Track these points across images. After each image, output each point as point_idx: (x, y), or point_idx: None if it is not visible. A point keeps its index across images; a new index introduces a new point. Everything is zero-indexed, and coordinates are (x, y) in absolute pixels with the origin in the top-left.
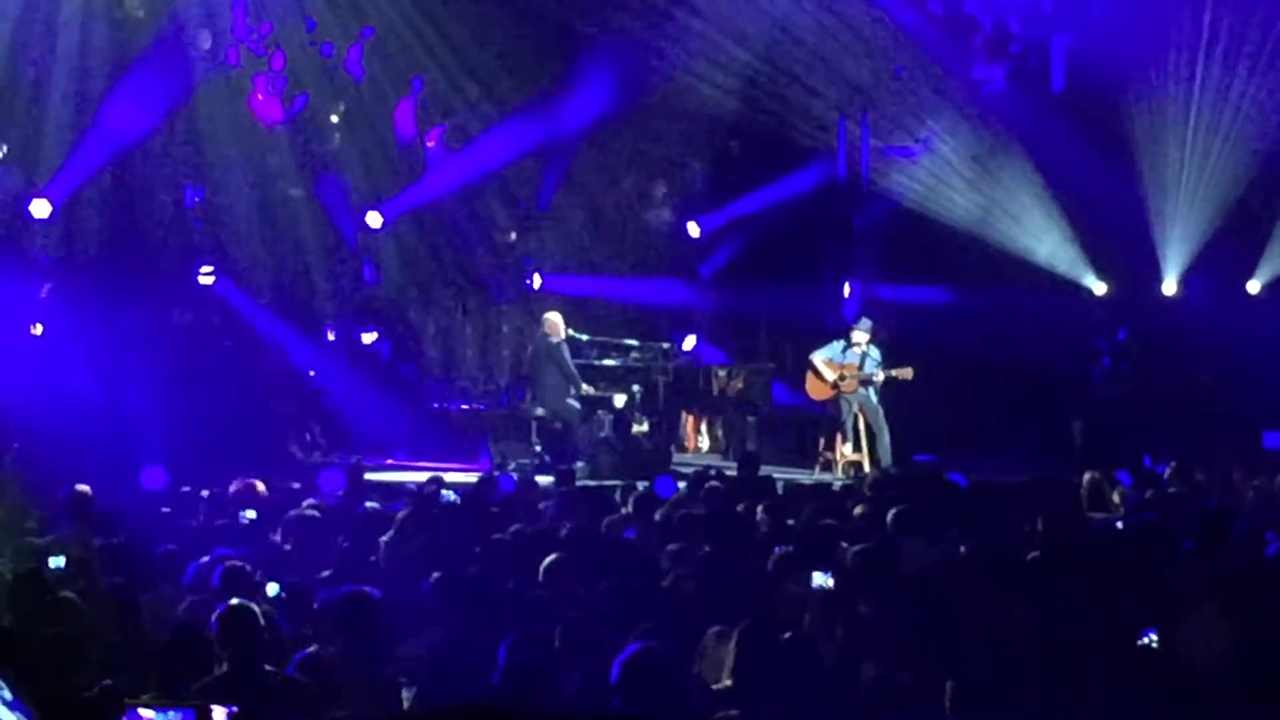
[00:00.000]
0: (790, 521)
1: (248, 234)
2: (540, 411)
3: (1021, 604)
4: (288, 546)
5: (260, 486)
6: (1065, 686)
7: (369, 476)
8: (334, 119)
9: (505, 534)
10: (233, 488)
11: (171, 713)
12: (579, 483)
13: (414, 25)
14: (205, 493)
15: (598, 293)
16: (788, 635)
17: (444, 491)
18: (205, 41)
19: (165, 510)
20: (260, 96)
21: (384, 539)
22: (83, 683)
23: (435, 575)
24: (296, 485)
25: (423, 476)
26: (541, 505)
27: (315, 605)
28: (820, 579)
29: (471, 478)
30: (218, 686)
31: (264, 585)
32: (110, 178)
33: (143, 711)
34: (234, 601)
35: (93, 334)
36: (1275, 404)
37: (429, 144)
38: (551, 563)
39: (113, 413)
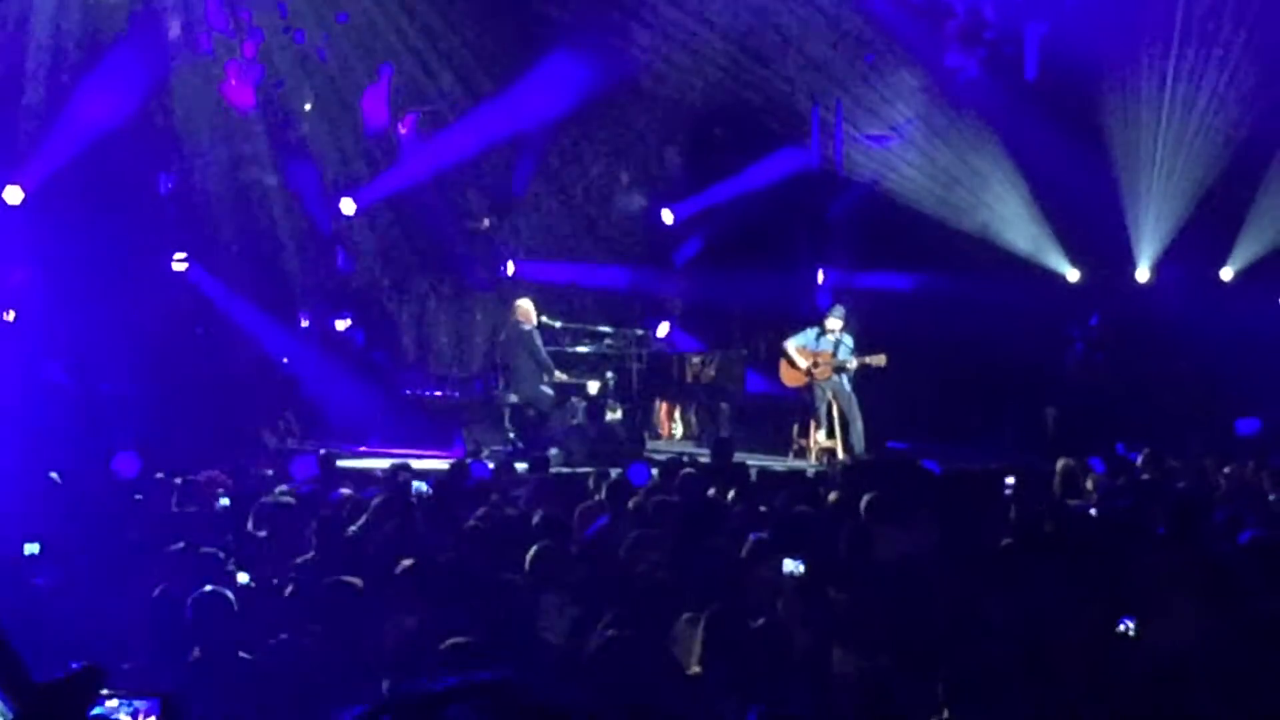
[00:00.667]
0: (763, 508)
1: (221, 221)
2: (514, 398)
3: (996, 591)
4: (260, 534)
5: (224, 479)
6: (1041, 673)
7: (341, 464)
8: (307, 106)
9: (477, 520)
10: (202, 478)
11: (137, 701)
12: (552, 470)
13: (387, 11)
14: (178, 480)
15: (571, 279)
16: (759, 622)
17: (415, 483)
18: (178, 28)
19: (137, 497)
20: (233, 83)
21: (355, 526)
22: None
23: (408, 562)
24: (269, 472)
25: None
26: (516, 492)
27: (288, 593)
28: (791, 565)
29: (444, 464)
30: (191, 673)
31: (235, 573)
32: (83, 164)
33: (108, 702)
34: (207, 588)
35: (65, 321)
36: (1247, 391)
37: (402, 131)
38: (529, 549)
39: (85, 399)
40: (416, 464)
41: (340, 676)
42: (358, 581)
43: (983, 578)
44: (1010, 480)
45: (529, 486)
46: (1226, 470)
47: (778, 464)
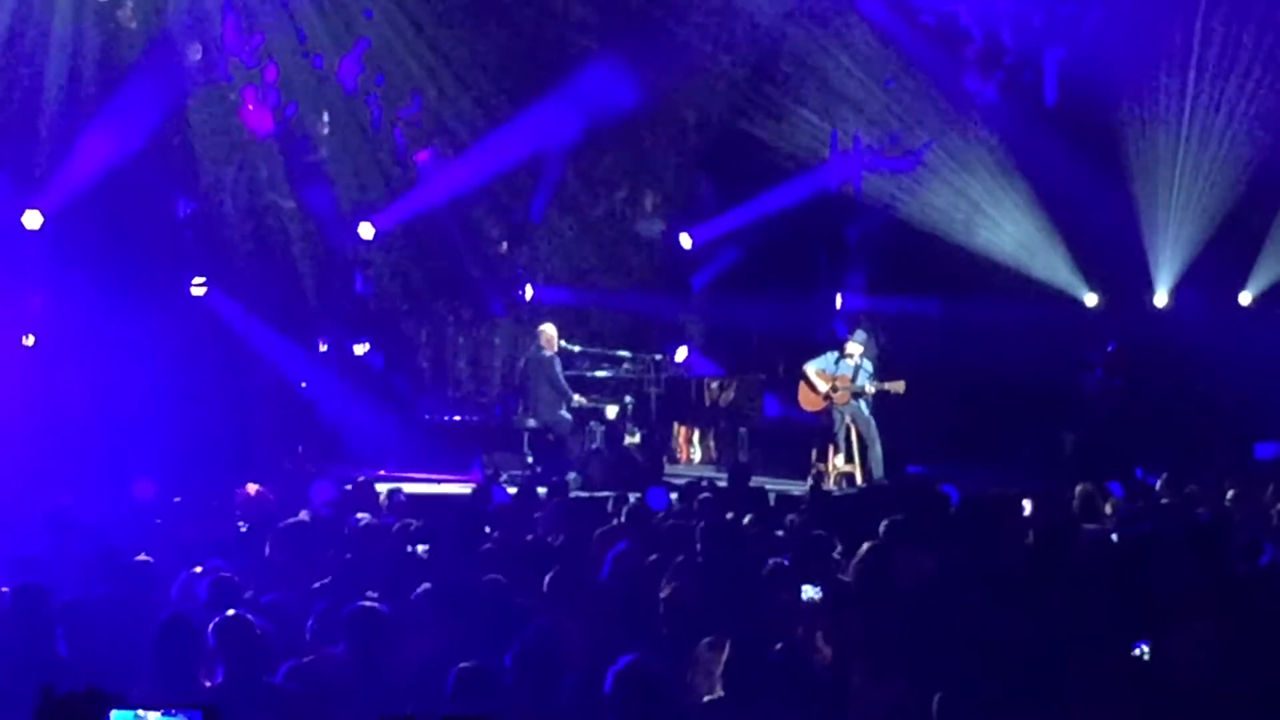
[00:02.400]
0: (780, 533)
1: (239, 245)
2: (532, 423)
3: (1014, 615)
4: (278, 558)
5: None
6: (1057, 698)
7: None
8: (324, 130)
9: (498, 544)
10: (244, 490)
11: (179, 715)
12: (571, 494)
13: (405, 36)
14: (196, 504)
15: (590, 304)
16: (779, 647)
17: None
18: (196, 53)
19: (157, 521)
20: (251, 107)
21: (377, 550)
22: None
23: (425, 586)
24: (288, 497)
25: (421, 488)
26: (535, 516)
27: (313, 618)
28: (809, 591)
29: (464, 489)
30: (214, 697)
31: (251, 597)
32: (101, 189)
33: (148, 714)
34: (230, 612)
35: (84, 346)
36: (1266, 415)
37: (421, 155)
38: (551, 575)
39: (104, 424)
40: (434, 488)
41: (362, 700)
42: (379, 605)
43: (1001, 602)
44: (1028, 504)
45: (548, 510)
46: (1241, 493)
47: (796, 488)
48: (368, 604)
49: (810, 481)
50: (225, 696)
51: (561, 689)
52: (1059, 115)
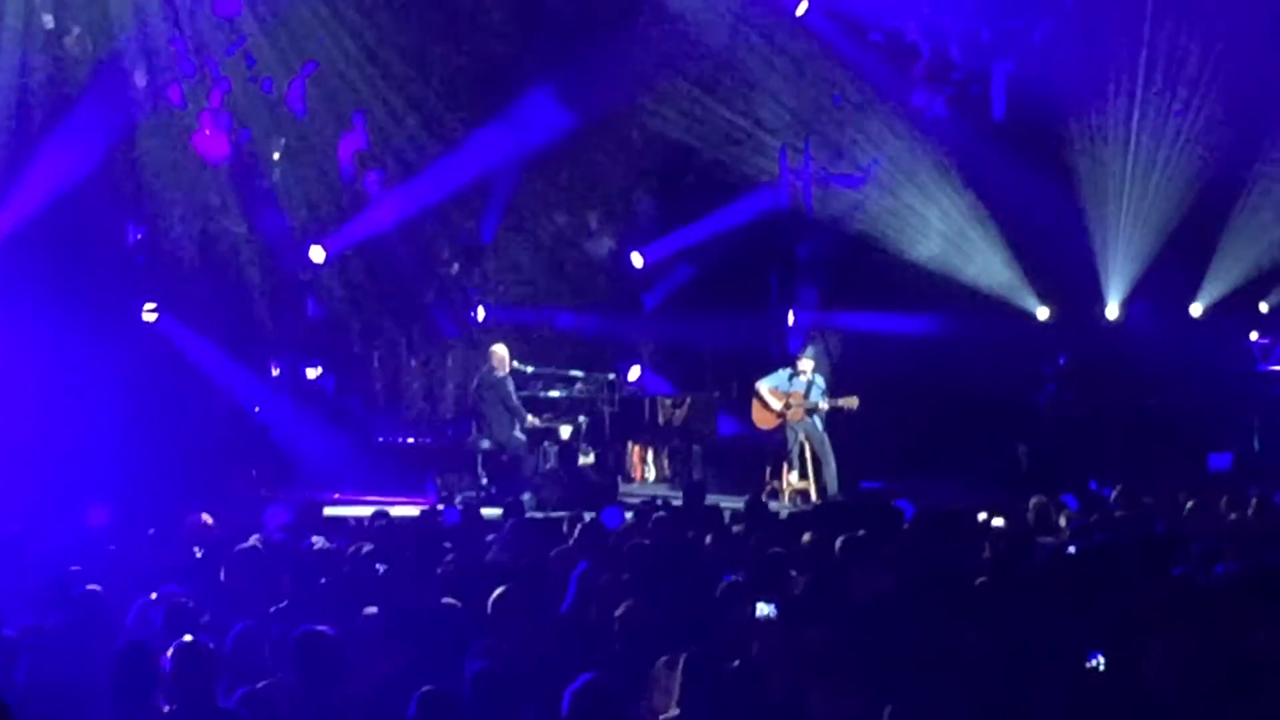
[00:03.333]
0: (736, 551)
1: (191, 270)
2: (486, 444)
3: (969, 629)
4: (233, 583)
5: (208, 519)
6: (1013, 711)
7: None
8: (275, 155)
9: (450, 566)
10: (191, 520)
11: None
12: (526, 515)
13: (354, 60)
14: (150, 530)
15: (542, 324)
16: (735, 664)
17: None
18: (141, 78)
19: (111, 548)
20: (207, 132)
21: (329, 575)
22: None
23: (371, 610)
24: (242, 522)
25: (368, 511)
26: (489, 538)
27: (266, 643)
28: (764, 609)
29: (416, 511)
30: None
31: (207, 622)
32: (51, 215)
33: None
34: (187, 638)
35: (36, 373)
36: (1218, 426)
37: (370, 178)
38: (500, 594)
39: (57, 451)
40: (390, 511)
41: None
42: (326, 630)
43: (957, 616)
44: (983, 518)
45: (504, 532)
46: (1194, 504)
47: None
48: (315, 628)
49: (748, 498)
50: None
51: (520, 710)
52: (1008, 129)
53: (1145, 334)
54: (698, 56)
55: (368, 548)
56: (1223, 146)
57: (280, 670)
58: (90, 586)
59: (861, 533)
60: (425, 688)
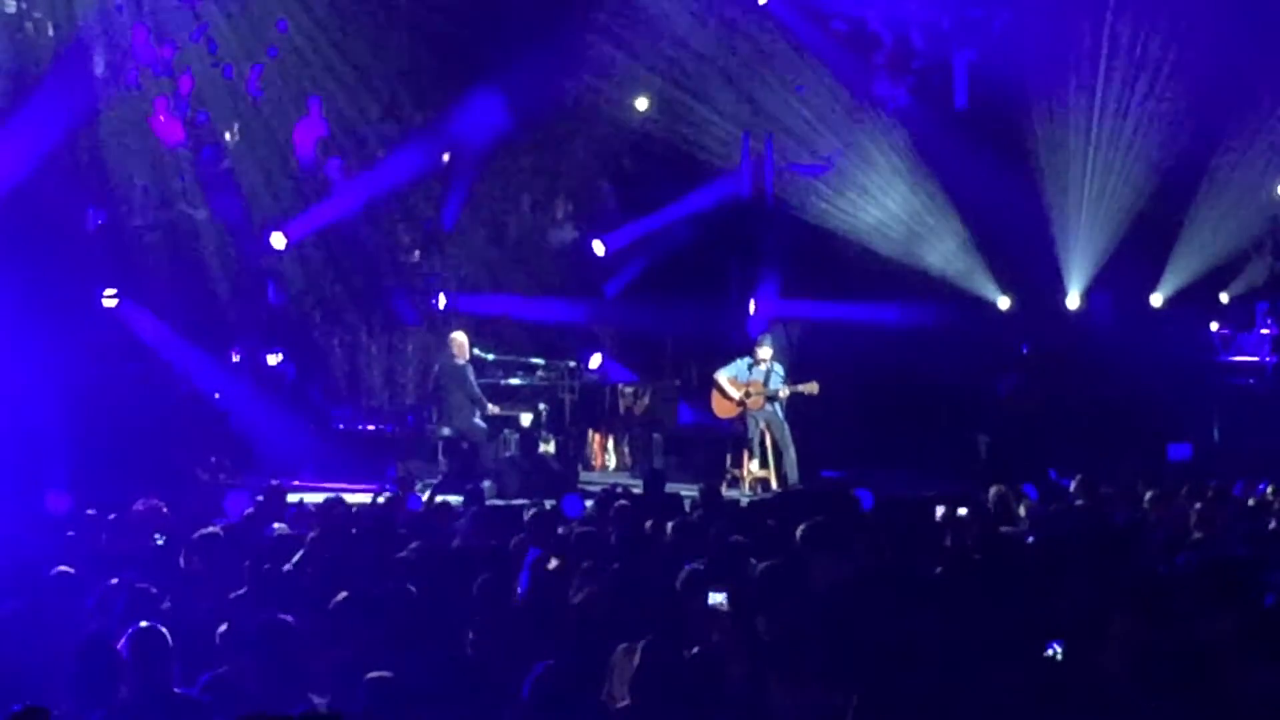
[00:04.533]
0: (696, 539)
1: (151, 256)
2: (446, 431)
3: (929, 618)
4: (193, 569)
5: (162, 509)
6: (972, 700)
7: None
8: (236, 139)
9: (411, 553)
10: (138, 507)
11: None
12: (486, 502)
13: (315, 45)
14: (111, 516)
15: (503, 312)
16: (692, 652)
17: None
18: (103, 63)
19: (69, 534)
20: (162, 118)
21: (290, 562)
22: None
23: (342, 595)
24: (202, 508)
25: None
26: (450, 525)
27: (223, 629)
28: (716, 598)
29: (378, 498)
30: (127, 709)
31: (168, 609)
32: (10, 200)
33: None
34: (143, 624)
35: None
36: (1179, 417)
37: (332, 164)
38: (463, 582)
39: (16, 436)
40: (350, 498)
41: (275, 711)
42: (289, 619)
43: (917, 605)
44: (942, 508)
45: (465, 519)
46: (1162, 496)
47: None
48: (276, 616)
49: (701, 486)
50: (138, 708)
51: (478, 697)
52: (969, 118)
53: (1106, 324)
54: (660, 45)
55: (323, 534)
56: (1183, 136)
57: (239, 657)
58: (51, 571)
59: (821, 519)
60: (372, 674)
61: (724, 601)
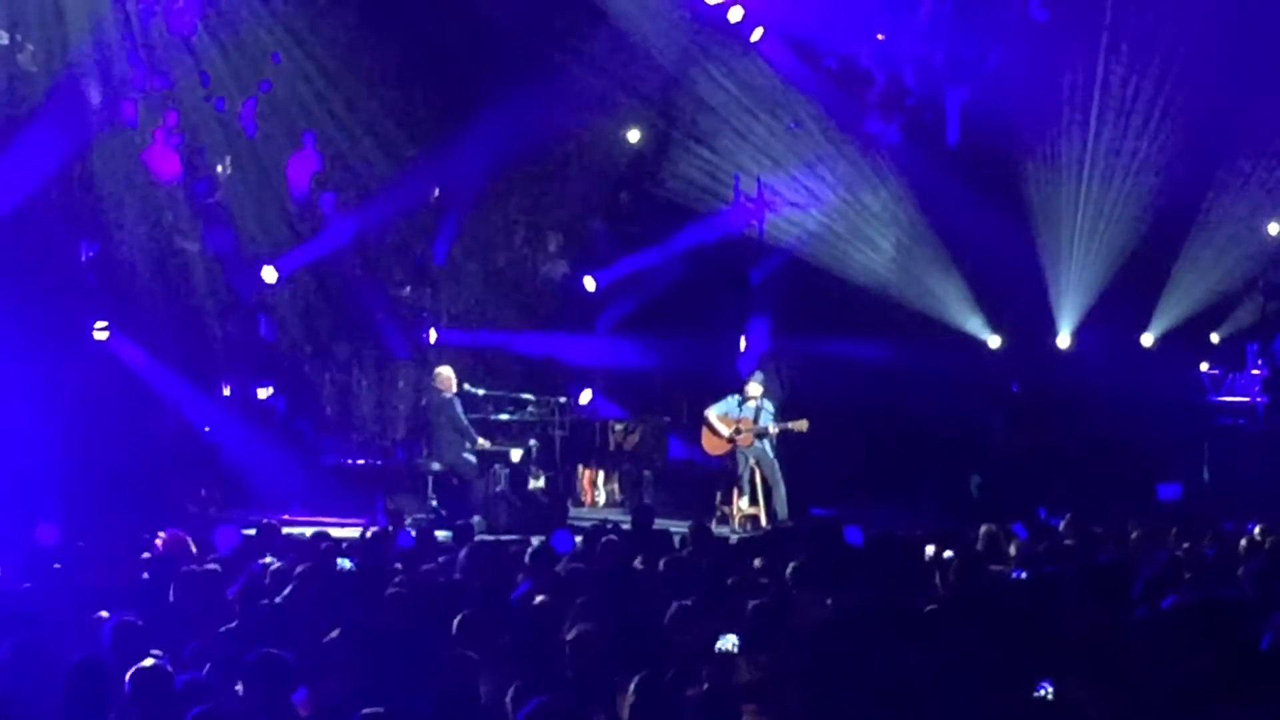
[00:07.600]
0: (686, 575)
1: (143, 288)
2: (436, 466)
3: (917, 656)
4: (183, 604)
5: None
6: None
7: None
8: (229, 174)
9: (402, 588)
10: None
11: None
12: (476, 538)
13: (309, 80)
14: (100, 550)
15: (493, 346)
16: (688, 691)
17: (340, 560)
18: (96, 96)
19: (56, 566)
20: (156, 151)
21: (280, 596)
22: None
23: (335, 632)
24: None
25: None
26: (440, 560)
27: (217, 664)
28: (725, 642)
29: (366, 533)
30: None
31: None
32: (2, 232)
33: None
34: (148, 661)
35: None
36: (1169, 456)
37: (325, 199)
38: (456, 617)
39: (5, 469)
40: (336, 532)
41: None
42: (281, 653)
43: (906, 644)
44: (932, 547)
45: (455, 555)
46: (1150, 535)
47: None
48: (269, 651)
49: (691, 523)
50: None
51: None
52: (961, 156)
53: (1096, 363)
54: (654, 81)
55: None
56: (1175, 176)
57: (229, 691)
58: (39, 605)
59: (810, 557)
60: (367, 710)
61: (735, 645)
